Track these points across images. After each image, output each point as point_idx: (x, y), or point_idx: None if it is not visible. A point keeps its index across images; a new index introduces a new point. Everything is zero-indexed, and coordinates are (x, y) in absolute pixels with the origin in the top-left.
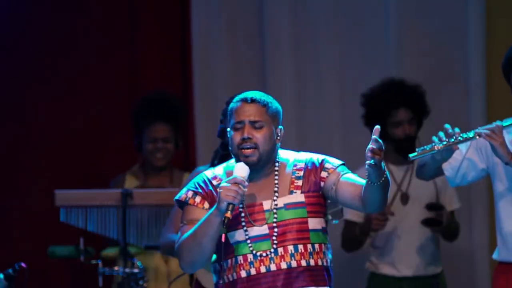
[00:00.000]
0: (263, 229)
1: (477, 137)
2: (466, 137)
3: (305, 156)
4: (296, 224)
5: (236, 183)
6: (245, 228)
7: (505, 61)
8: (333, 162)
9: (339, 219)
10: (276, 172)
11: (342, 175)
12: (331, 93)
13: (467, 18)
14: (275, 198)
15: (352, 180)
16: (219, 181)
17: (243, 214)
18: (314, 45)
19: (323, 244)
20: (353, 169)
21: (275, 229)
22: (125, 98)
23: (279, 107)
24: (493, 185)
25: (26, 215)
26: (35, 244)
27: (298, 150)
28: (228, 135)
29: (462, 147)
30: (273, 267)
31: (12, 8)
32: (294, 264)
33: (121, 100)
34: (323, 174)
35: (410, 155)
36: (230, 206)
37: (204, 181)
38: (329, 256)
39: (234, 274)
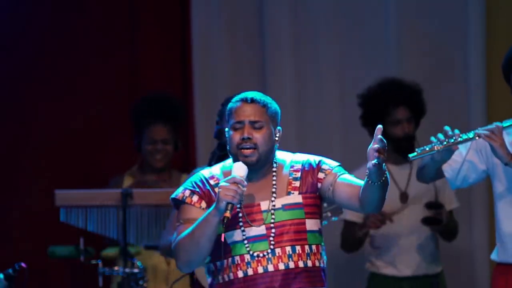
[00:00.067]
0: (261, 230)
1: (477, 137)
2: (465, 138)
3: (301, 157)
4: (293, 225)
5: (235, 182)
6: (242, 228)
7: (505, 61)
8: (329, 163)
9: (339, 216)
10: (274, 173)
11: (339, 176)
12: (331, 93)
13: (467, 18)
14: (273, 198)
15: (349, 181)
16: (217, 181)
17: (240, 214)
18: (314, 45)
19: (319, 245)
20: (353, 169)
21: (273, 230)
22: (125, 98)
23: (278, 108)
24: (493, 186)
25: (26, 215)
26: (35, 244)
27: (298, 150)
28: (227, 135)
29: (462, 148)
30: (270, 268)
31: (12, 8)
32: (291, 265)
33: (121, 100)
34: (320, 175)
35: (410, 155)
36: (229, 206)
37: (202, 180)
38: (325, 257)
39: (231, 274)
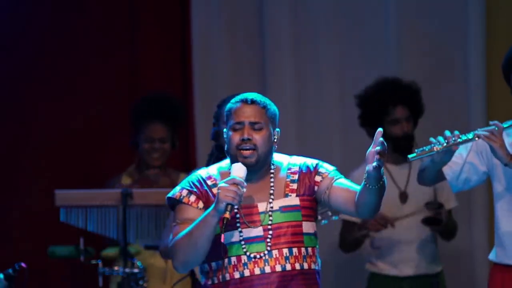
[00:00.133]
0: (258, 231)
1: (476, 138)
2: (465, 139)
3: (298, 160)
4: (290, 227)
5: (235, 183)
6: (239, 229)
7: (505, 61)
8: (326, 167)
9: (339, 215)
10: (272, 175)
11: (336, 180)
12: (331, 93)
13: (467, 18)
14: (270, 200)
15: (345, 185)
16: (214, 181)
17: (238, 215)
18: (314, 45)
19: (315, 248)
20: (352, 169)
21: (270, 232)
22: (125, 98)
23: (277, 110)
24: (493, 186)
25: (26, 215)
26: (35, 244)
27: (298, 150)
28: (225, 136)
29: (463, 150)
30: (267, 269)
31: (12, 8)
32: (288, 267)
33: (121, 100)
34: (317, 178)
35: (409, 156)
36: (229, 207)
37: (199, 181)
38: (319, 260)
39: (227, 275)
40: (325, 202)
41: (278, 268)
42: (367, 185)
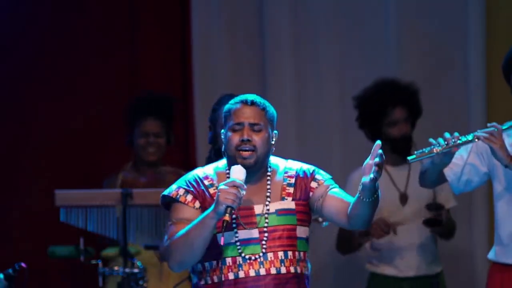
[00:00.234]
0: (254, 233)
1: (476, 140)
2: (465, 140)
3: (295, 165)
4: (286, 230)
5: (235, 186)
6: (235, 230)
7: (505, 62)
8: (322, 174)
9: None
10: (269, 178)
11: (330, 189)
12: (331, 93)
13: (467, 18)
14: (267, 203)
15: (339, 196)
16: (211, 181)
17: (234, 216)
18: (314, 45)
19: (306, 253)
20: (352, 170)
21: (265, 234)
22: (125, 98)
23: (275, 112)
24: (493, 186)
25: (26, 215)
26: (35, 244)
27: (298, 150)
28: (223, 137)
29: (463, 152)
30: (262, 272)
31: (12, 8)
32: (283, 270)
33: (121, 100)
34: (313, 184)
35: (409, 158)
36: (229, 209)
37: (196, 180)
38: (309, 265)
39: (221, 275)
40: (318, 209)
41: (273, 270)
42: (361, 198)
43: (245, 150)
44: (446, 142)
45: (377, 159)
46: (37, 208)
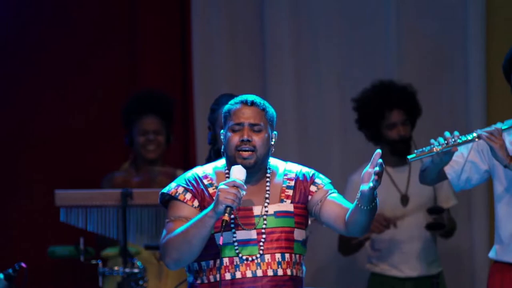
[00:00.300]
0: (252, 234)
1: (476, 139)
2: (465, 140)
3: (295, 167)
4: (284, 232)
5: (235, 186)
6: (233, 230)
7: (505, 61)
8: (322, 178)
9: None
10: (268, 179)
11: (330, 193)
12: (331, 93)
13: (467, 18)
14: (266, 204)
15: (338, 201)
16: (210, 181)
17: (233, 217)
18: (314, 45)
19: (301, 256)
20: (352, 171)
21: (263, 235)
22: (125, 98)
23: (275, 112)
24: (493, 186)
25: (26, 215)
26: (35, 244)
27: (298, 150)
28: (223, 137)
29: (464, 149)
30: (259, 273)
31: (11, 7)
32: (280, 272)
33: (121, 100)
34: (312, 188)
35: (409, 157)
36: (228, 209)
37: (195, 179)
38: (304, 268)
39: (218, 275)
40: (316, 214)
41: (270, 272)
42: (359, 205)
43: (245, 151)
44: (446, 141)
45: (377, 168)
46: (37, 208)
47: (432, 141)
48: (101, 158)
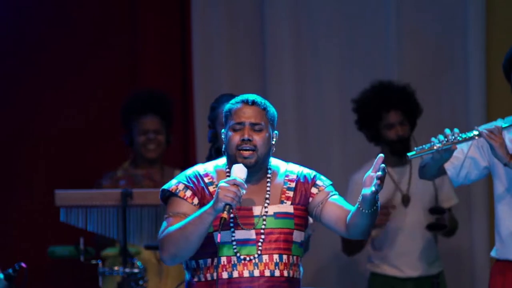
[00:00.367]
0: (250, 234)
1: (476, 137)
2: (465, 137)
3: (296, 168)
4: (283, 234)
5: (235, 184)
6: (232, 229)
7: (505, 61)
8: (324, 180)
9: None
10: (269, 179)
11: (331, 196)
12: (331, 93)
13: (467, 18)
14: (266, 205)
15: (340, 203)
16: (211, 179)
17: (232, 215)
18: (314, 45)
19: (299, 257)
20: (353, 171)
21: (262, 236)
22: (125, 98)
23: (276, 112)
24: (494, 185)
25: (26, 215)
26: (35, 244)
27: (298, 150)
28: (224, 136)
29: (464, 145)
30: (256, 273)
31: (11, 8)
32: (277, 273)
33: (121, 100)
34: (314, 190)
35: (409, 154)
36: (227, 207)
37: (196, 176)
38: (301, 269)
39: (215, 274)
40: (316, 216)
41: (267, 273)
42: (361, 209)
43: (246, 150)
44: (446, 139)
45: (379, 173)
46: (37, 208)
47: (433, 139)
48: (101, 158)
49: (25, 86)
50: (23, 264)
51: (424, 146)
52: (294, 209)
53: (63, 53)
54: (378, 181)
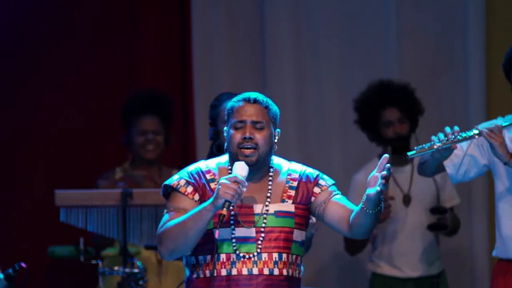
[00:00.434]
0: (251, 232)
1: (476, 136)
2: (465, 136)
3: (299, 167)
4: (283, 232)
5: (236, 181)
6: (232, 227)
7: (505, 61)
8: (326, 179)
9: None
10: (270, 178)
11: (334, 195)
12: (331, 93)
13: (467, 18)
14: (267, 203)
15: (342, 203)
16: (213, 176)
17: (233, 213)
18: (314, 45)
19: (299, 256)
20: (354, 171)
21: (262, 234)
22: (125, 98)
23: (278, 110)
24: (494, 184)
25: (26, 215)
26: (35, 244)
27: (297, 150)
28: (226, 134)
29: (463, 143)
30: (255, 271)
31: (11, 8)
32: (276, 271)
33: (121, 100)
34: (316, 189)
35: (409, 153)
36: (227, 204)
37: (198, 173)
38: (302, 268)
39: (214, 271)
40: (319, 215)
41: (266, 271)
42: (365, 208)
43: (247, 148)
44: (446, 138)
45: (384, 172)
46: (37, 208)
47: (433, 137)
48: (101, 158)
49: (25, 86)
50: (23, 264)
51: (424, 145)
52: (295, 208)
53: (63, 53)
54: (383, 181)
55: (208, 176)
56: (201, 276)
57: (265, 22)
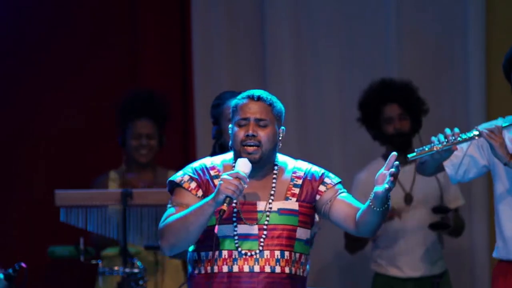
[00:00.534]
0: (253, 229)
1: (476, 138)
2: (465, 138)
3: (305, 165)
4: (286, 230)
5: (238, 177)
6: (235, 224)
7: (505, 61)
8: (332, 178)
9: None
10: (275, 175)
11: (340, 193)
12: (331, 93)
13: (467, 18)
14: (270, 200)
15: (349, 201)
16: (217, 172)
17: (235, 210)
18: (314, 45)
19: (303, 255)
20: (355, 171)
21: (265, 231)
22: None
23: (283, 108)
24: (494, 185)
25: (26, 216)
26: (35, 244)
27: (298, 150)
28: (230, 131)
29: (463, 144)
30: (256, 268)
31: (11, 8)
32: (278, 269)
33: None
34: (322, 188)
35: (409, 156)
36: (228, 200)
37: (202, 169)
38: (308, 267)
39: (215, 267)
40: (325, 213)
41: (267, 269)
42: (372, 206)
43: (250, 145)
44: (446, 140)
45: (393, 169)
46: (37, 208)
47: (433, 138)
48: (101, 158)
49: (25, 86)
50: (23, 264)
51: (424, 147)
52: (299, 206)
53: (63, 53)
54: (392, 178)
55: (212, 173)
56: (203, 272)
57: (265, 22)
